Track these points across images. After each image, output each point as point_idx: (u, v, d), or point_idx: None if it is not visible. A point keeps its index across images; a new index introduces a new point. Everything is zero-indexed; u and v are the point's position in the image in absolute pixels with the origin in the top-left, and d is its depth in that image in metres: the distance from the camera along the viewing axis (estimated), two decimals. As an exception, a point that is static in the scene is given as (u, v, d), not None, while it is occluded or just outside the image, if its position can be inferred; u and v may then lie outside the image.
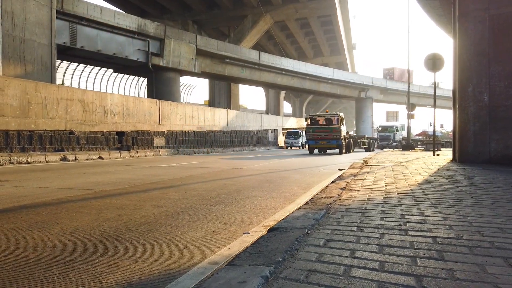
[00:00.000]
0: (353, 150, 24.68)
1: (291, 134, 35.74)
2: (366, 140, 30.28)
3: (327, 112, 24.93)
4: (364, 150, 29.51)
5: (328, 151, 24.62)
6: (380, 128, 39.66)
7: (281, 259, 1.72)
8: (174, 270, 2.07)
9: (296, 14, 39.46)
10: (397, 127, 39.07)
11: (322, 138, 21.62)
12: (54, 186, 5.86)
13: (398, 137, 37.99)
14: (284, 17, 39.80)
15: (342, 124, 22.19)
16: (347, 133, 24.38)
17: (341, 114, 22.52)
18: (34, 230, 2.93)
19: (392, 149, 32.29)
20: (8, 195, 4.89)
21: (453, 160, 9.50)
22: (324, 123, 22.42)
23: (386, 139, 38.12)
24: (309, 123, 22.65)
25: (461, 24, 8.97)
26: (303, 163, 12.06)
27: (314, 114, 23.99)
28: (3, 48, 15.18)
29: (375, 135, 41.54)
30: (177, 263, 2.19)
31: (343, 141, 21.55)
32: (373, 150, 28.48)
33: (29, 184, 6.04)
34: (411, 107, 22.83)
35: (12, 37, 16.20)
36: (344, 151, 21.76)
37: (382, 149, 35.65)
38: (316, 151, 24.24)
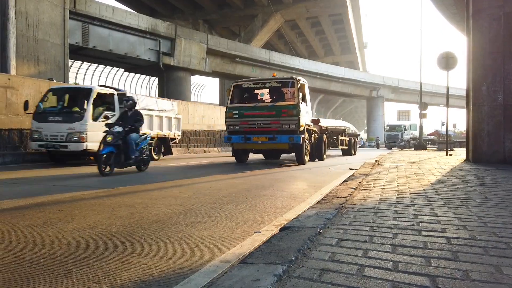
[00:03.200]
0: (325, 153, 13.36)
1: None
2: (345, 138, 17.45)
3: (274, 75, 12.59)
4: (341, 153, 18.13)
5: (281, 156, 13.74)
6: (388, 127, 38.95)
7: (294, 258, 1.72)
8: (186, 268, 2.08)
9: (307, 13, 39.30)
10: (405, 126, 38.30)
11: (259, 131, 10.19)
12: (68, 184, 5.95)
13: (407, 136, 37.18)
14: (295, 16, 39.67)
15: (305, 101, 10.77)
16: (316, 122, 13.74)
17: (302, 80, 10.74)
18: (49, 227, 2.98)
19: (401, 149, 31.79)
20: (23, 192, 4.98)
21: (467, 160, 9.37)
22: (264, 98, 11.31)
23: (394, 139, 37.38)
24: (233, 97, 10.82)
25: (475, 22, 8.82)
26: (311, 163, 12.00)
27: (244, 80, 11.47)
28: (17, 48, 15.43)
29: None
30: (189, 261, 2.21)
31: (306, 137, 10.65)
32: (354, 154, 18.35)
33: (43, 181, 6.13)
34: (423, 106, 22.56)
35: (26, 37, 16.46)
36: (308, 157, 11.11)
37: (390, 148, 35.03)
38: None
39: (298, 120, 9.87)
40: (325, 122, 21.63)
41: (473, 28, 8.87)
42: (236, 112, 10.32)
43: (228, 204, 4.10)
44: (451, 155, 13.55)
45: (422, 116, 22.84)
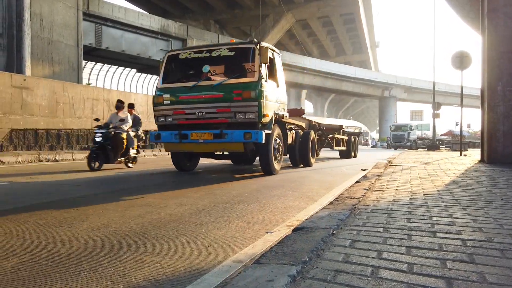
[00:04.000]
0: (314, 156, 10.15)
1: None
2: (343, 137, 14.50)
3: (232, 41, 8.09)
4: (339, 156, 15.25)
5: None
6: (393, 127, 38.07)
7: (307, 259, 1.71)
8: (199, 268, 2.10)
9: (318, 12, 39.15)
10: (411, 126, 37.29)
11: (201, 125, 6.94)
12: (81, 183, 6.03)
13: (413, 136, 36.22)
14: (306, 16, 39.56)
15: (274, 79, 7.57)
16: (299, 113, 11.30)
17: (267, 46, 7.16)
18: (64, 226, 3.02)
19: (407, 150, 31.20)
20: (38, 191, 5.06)
21: (481, 161, 9.22)
22: (215, 77, 7.36)
23: (399, 139, 36.37)
24: (168, 75, 7.51)
25: (490, 21, 8.67)
26: (323, 163, 11.95)
27: (182, 49, 7.93)
28: (32, 49, 15.71)
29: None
30: (202, 261, 2.22)
31: (276, 133, 7.47)
32: (355, 156, 15.43)
33: (57, 181, 6.23)
34: (436, 106, 22.28)
35: (40, 39, 16.74)
36: (278, 165, 7.59)
37: (395, 149, 34.23)
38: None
39: (260, 106, 6.53)
40: (332, 121, 20.19)
41: (488, 27, 8.72)
42: (168, 95, 6.99)
43: (239, 204, 4.11)
44: (465, 155, 13.35)
45: (436, 116, 22.56)
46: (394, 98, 49.90)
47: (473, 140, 38.50)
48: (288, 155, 9.16)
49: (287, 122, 8.44)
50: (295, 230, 2.32)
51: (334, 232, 2.28)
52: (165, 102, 7.09)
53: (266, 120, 6.88)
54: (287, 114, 8.27)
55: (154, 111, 7.25)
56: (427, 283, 1.55)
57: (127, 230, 2.93)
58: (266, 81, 6.94)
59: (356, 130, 23.00)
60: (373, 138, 59.58)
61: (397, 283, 1.55)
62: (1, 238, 2.67)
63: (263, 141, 6.66)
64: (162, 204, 4.06)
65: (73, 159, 11.55)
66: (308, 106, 74.12)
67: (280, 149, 7.68)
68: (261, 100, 6.65)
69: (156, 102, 7.20)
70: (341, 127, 14.38)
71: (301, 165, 9.58)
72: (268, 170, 7.26)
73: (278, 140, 7.58)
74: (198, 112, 6.83)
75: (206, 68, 7.11)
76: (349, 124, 27.74)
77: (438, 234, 2.31)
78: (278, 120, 7.58)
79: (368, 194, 3.89)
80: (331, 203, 3.42)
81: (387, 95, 49.19)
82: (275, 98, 7.41)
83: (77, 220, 3.24)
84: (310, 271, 1.63)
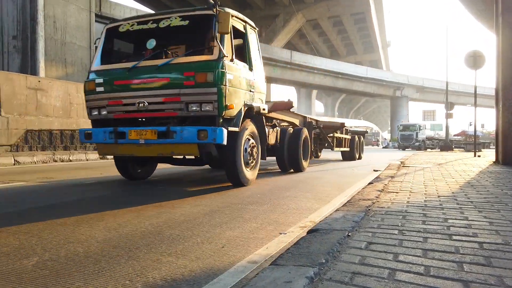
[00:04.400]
0: (307, 159, 8.67)
1: None
2: (346, 136, 13.06)
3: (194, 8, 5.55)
4: (341, 157, 13.80)
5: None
6: (401, 127, 37.46)
7: (324, 261, 1.72)
8: (214, 268, 2.12)
9: (329, 12, 39.02)
10: (419, 126, 36.61)
11: (145, 117, 5.32)
12: (96, 183, 6.12)
13: (421, 136, 35.57)
14: (316, 16, 39.46)
15: (245, 58, 5.85)
16: (286, 105, 8.06)
17: (231, 12, 5.25)
18: (81, 226, 3.08)
19: (416, 150, 30.78)
20: (54, 191, 5.16)
21: (496, 162, 9.08)
22: (161, 50, 5.40)
23: (407, 139, 35.70)
24: (106, 54, 5.77)
25: (505, 19, 8.54)
26: (337, 164, 11.90)
27: (124, 20, 5.80)
28: (46, 51, 15.98)
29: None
30: (217, 261, 2.24)
31: (249, 131, 5.72)
32: (359, 158, 14.05)
33: (73, 181, 6.33)
34: (449, 106, 22.01)
35: (54, 40, 17.02)
36: (245, 172, 5.58)
37: (404, 149, 33.60)
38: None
39: (220, 93, 4.87)
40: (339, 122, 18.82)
41: (502, 25, 8.60)
42: (101, 80, 5.40)
43: (252, 204, 4.13)
44: (479, 156, 13.17)
45: (448, 116, 22.30)
46: (406, 98, 49.43)
47: (487, 141, 37.93)
48: (276, 159, 8.00)
49: (269, 117, 7.10)
50: (310, 231, 2.32)
51: (350, 234, 2.28)
52: (97, 89, 5.39)
53: (231, 113, 5.13)
54: (265, 106, 6.37)
55: (86, 101, 5.58)
56: (445, 286, 1.55)
57: (143, 230, 2.97)
58: (232, 60, 5.23)
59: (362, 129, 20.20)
60: (385, 139, 59.11)
61: (415, 286, 1.55)
62: (20, 237, 2.73)
63: (224, 142, 4.90)
64: (176, 204, 4.10)
65: (87, 159, 11.71)
66: (318, 106, 73.92)
67: (254, 151, 5.88)
68: (222, 86, 4.88)
69: (88, 89, 5.51)
70: (342, 124, 12.67)
71: (291, 170, 8.03)
72: (237, 180, 5.50)
73: (252, 141, 5.83)
74: (139, 103, 5.08)
75: (151, 44, 5.31)
76: (359, 124, 27.52)
77: (454, 237, 2.30)
78: (253, 114, 5.96)
79: (382, 195, 3.88)
80: (344, 204, 3.42)
81: (399, 95, 48.74)
82: (246, 84, 5.62)
83: (93, 220, 3.30)
84: (327, 273, 1.64)
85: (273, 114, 7.37)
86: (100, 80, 5.40)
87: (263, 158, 6.38)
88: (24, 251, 2.41)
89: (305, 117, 9.57)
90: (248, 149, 5.72)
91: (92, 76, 5.55)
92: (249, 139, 5.76)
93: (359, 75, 42.59)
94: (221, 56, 4.95)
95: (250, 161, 5.76)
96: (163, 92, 5.01)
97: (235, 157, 5.34)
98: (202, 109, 4.91)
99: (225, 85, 4.94)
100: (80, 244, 2.57)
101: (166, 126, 4.96)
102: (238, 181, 5.52)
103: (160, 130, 4.91)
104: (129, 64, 5.29)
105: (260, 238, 2.76)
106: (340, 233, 2.20)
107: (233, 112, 5.21)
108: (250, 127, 5.77)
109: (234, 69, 5.28)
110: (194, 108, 4.93)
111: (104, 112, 5.40)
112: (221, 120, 4.98)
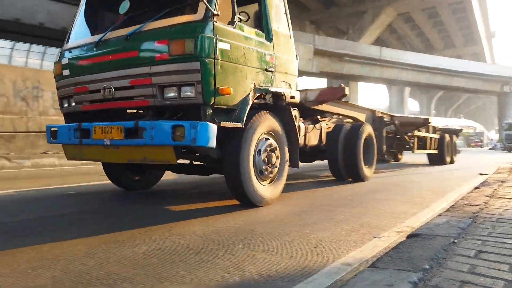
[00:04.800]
0: (370, 167, 6.57)
1: None
2: (432, 135, 10.67)
3: None
4: (428, 161, 11.37)
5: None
6: (506, 126, 32.26)
7: (428, 267, 1.61)
8: (308, 267, 2.13)
9: (422, 3, 36.35)
10: None
11: (113, 107, 3.82)
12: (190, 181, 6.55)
13: None
14: (409, 8, 37.05)
15: (261, 21, 4.17)
16: (333, 93, 5.76)
17: None
18: (181, 220, 3.33)
19: None
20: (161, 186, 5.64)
21: None
22: (136, 2, 3.88)
23: None
24: (84, 22, 4.41)
25: None
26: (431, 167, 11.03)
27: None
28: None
29: None
30: (310, 261, 2.24)
31: (260, 128, 3.90)
32: (451, 162, 11.56)
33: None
34: None
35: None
36: (255, 186, 3.81)
37: (510, 150, 29.25)
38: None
39: (206, 69, 3.30)
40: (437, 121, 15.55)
41: None
42: (66, 61, 4.15)
43: (341, 207, 4.04)
44: None
45: None
46: (516, 93, 43.71)
47: None
48: (329, 164, 6.24)
49: (309, 109, 5.53)
50: (410, 236, 2.19)
51: (455, 240, 2.10)
52: (64, 72, 4.13)
53: (228, 100, 3.53)
54: (295, 93, 4.65)
55: (56, 89, 4.40)
56: None
57: (236, 226, 3.10)
58: (231, 23, 3.67)
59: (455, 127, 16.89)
60: (491, 139, 52.88)
61: (540, 303, 1.37)
62: (129, 225, 3.04)
63: (211, 144, 3.30)
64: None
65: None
66: (412, 105, 69.29)
67: (274, 156, 4.12)
68: (209, 59, 3.32)
69: (56, 73, 4.31)
70: (426, 121, 9.93)
71: (349, 179, 6.30)
72: (242, 197, 3.89)
73: (270, 141, 4.10)
74: (105, 88, 3.70)
75: (125, 7, 3.83)
76: (460, 124, 24.89)
77: None
78: (276, 104, 4.41)
79: (491, 201, 3.49)
80: (448, 210, 3.15)
81: (508, 90, 43.23)
82: (258, 60, 3.97)
83: (191, 215, 3.55)
84: (432, 279, 1.54)
85: (323, 107, 5.78)
86: (66, 61, 4.13)
87: (294, 165, 4.61)
88: (134, 240, 2.67)
89: (373, 111, 7.86)
90: (264, 154, 3.97)
91: (60, 57, 4.32)
92: (266, 139, 4.05)
93: (459, 70, 38.76)
94: (208, 15, 3.38)
95: (266, 171, 4.02)
96: (130, 72, 3.57)
97: (239, 165, 3.66)
98: (182, 95, 3.36)
99: (215, 58, 3.36)
100: (181, 236, 2.78)
101: (133, 122, 3.51)
102: (245, 199, 3.84)
103: (127, 126, 3.53)
104: (94, 38, 3.94)
105: (352, 241, 2.69)
106: (445, 239, 2.03)
107: (232, 99, 3.57)
108: (267, 121, 4.03)
109: (235, 36, 3.67)
110: (171, 95, 3.39)
111: (72, 104, 4.15)
112: (211, 110, 3.38)
